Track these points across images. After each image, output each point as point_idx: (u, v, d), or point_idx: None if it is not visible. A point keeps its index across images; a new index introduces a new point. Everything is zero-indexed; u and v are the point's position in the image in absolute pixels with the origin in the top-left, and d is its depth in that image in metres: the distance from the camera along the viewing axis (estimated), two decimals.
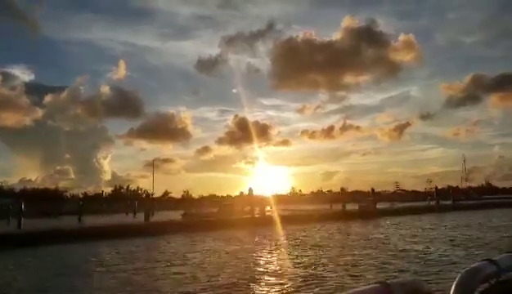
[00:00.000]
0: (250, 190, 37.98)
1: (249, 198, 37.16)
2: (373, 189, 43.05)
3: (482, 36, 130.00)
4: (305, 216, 33.72)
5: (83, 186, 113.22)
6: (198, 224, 28.29)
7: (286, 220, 30.73)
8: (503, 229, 23.01)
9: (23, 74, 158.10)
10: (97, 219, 35.93)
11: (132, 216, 41.29)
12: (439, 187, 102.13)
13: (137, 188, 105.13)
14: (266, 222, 29.90)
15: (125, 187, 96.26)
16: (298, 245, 18.31)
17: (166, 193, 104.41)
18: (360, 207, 38.26)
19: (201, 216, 34.71)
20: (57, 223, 30.86)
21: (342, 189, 77.77)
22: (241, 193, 48.72)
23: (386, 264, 12.57)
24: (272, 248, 17.53)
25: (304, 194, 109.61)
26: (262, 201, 35.52)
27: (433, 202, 47.49)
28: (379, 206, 42.30)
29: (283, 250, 16.92)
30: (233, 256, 15.28)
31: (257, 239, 21.27)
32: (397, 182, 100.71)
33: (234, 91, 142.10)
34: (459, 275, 1.39)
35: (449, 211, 41.16)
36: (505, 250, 1.72)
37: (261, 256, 15.13)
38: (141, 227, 26.67)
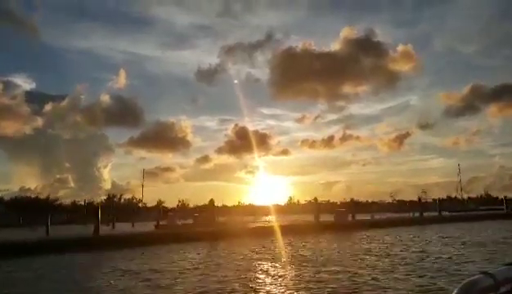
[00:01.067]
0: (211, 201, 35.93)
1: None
2: (352, 199, 40.26)
3: (481, 45, 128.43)
4: (276, 228, 31.26)
5: (81, 195, 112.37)
6: (162, 237, 25.81)
7: (255, 232, 28.54)
8: (488, 245, 19.37)
9: (24, 83, 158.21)
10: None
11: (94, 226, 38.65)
12: (439, 197, 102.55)
13: (132, 197, 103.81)
14: (234, 234, 27.62)
15: (118, 196, 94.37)
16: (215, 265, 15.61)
17: (160, 202, 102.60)
18: (335, 219, 35.46)
19: (173, 228, 32.59)
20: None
21: (315, 199, 73.86)
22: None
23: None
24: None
25: (301, 204, 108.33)
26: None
27: (416, 214, 44.05)
28: (360, 217, 39.83)
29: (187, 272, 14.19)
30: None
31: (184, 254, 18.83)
32: (391, 192, 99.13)
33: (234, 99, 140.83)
34: (456, 289, 1.43)
35: (433, 224, 38.30)
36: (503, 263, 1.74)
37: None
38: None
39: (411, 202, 71.86)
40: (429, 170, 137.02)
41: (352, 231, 31.23)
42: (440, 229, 32.62)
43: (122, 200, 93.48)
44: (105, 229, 29.97)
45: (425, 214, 43.08)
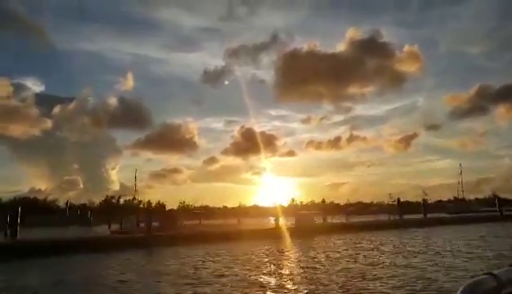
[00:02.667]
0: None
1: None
2: (323, 200, 37.31)
3: (487, 46, 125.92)
4: (241, 233, 28.83)
5: (89, 196, 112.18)
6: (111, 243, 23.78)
7: (212, 236, 26.42)
8: (471, 257, 15.32)
9: (34, 85, 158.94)
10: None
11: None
12: (445, 199, 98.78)
13: (133, 198, 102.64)
14: (186, 239, 25.23)
15: (116, 198, 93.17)
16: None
17: (159, 204, 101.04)
18: (296, 222, 32.53)
19: (130, 232, 30.58)
20: None
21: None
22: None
23: None
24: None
25: (303, 205, 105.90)
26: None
27: (396, 217, 40.31)
28: (334, 220, 37.18)
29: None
30: None
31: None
32: (391, 194, 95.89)
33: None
34: (459, 289, 1.38)
35: (415, 227, 35.16)
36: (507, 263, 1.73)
37: None
38: None
39: (390, 204, 69.02)
40: (436, 171, 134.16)
41: (315, 235, 28.57)
42: (424, 232, 29.74)
43: (120, 202, 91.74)
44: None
45: (408, 216, 39.95)
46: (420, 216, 42.99)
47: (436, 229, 33.70)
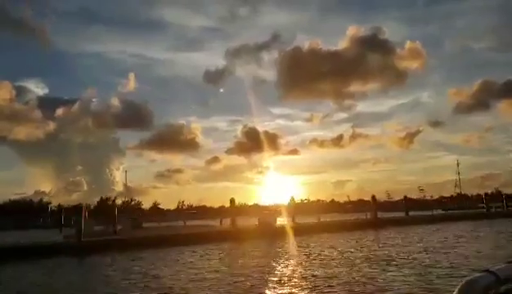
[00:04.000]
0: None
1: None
2: (293, 197, 35.02)
3: (492, 41, 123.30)
4: (193, 236, 26.89)
5: (93, 197, 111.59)
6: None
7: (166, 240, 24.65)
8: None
9: (37, 88, 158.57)
10: None
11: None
12: (449, 195, 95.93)
13: (131, 199, 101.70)
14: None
15: (112, 199, 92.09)
16: None
17: (155, 204, 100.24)
18: (260, 222, 30.36)
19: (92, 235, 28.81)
20: None
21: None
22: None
23: None
24: None
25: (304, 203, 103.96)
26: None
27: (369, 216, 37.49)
28: (304, 220, 35.02)
29: None
30: None
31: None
32: (387, 191, 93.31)
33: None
34: (458, 286, 1.38)
35: (391, 226, 32.81)
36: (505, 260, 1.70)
37: None
38: None
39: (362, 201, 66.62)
40: (442, 167, 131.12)
41: (276, 237, 26.57)
42: (399, 232, 27.52)
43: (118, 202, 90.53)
44: None
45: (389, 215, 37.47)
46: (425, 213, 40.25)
47: (410, 228, 31.34)
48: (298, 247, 21.22)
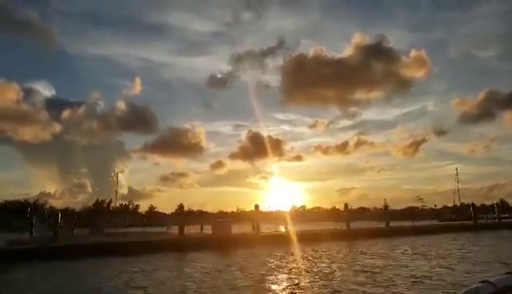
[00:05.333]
0: None
1: None
2: (257, 206, 32.63)
3: (497, 50, 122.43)
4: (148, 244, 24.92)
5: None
6: None
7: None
8: None
9: (44, 90, 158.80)
10: None
11: None
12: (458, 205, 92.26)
13: (129, 203, 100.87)
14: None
15: (107, 201, 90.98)
16: None
17: (151, 208, 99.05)
18: (213, 231, 28.04)
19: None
20: None
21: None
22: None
23: None
24: None
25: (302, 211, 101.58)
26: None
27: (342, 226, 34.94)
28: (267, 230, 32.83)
29: None
30: None
31: None
32: (385, 199, 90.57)
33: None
34: None
35: (361, 239, 30.35)
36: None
37: None
38: None
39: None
40: (447, 177, 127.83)
41: (231, 247, 24.54)
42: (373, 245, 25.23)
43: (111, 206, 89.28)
44: None
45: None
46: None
47: (380, 241, 28.91)
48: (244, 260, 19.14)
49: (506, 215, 51.09)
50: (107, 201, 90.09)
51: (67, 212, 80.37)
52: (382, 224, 37.89)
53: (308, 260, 18.39)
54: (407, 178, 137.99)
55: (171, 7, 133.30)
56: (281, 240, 28.07)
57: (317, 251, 22.40)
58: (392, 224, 38.65)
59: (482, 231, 36.70)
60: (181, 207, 66.59)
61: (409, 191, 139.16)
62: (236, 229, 31.05)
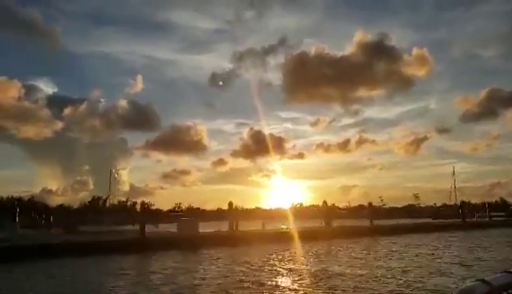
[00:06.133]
0: None
1: None
2: (231, 203, 31.13)
3: (500, 49, 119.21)
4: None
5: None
6: None
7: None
8: None
9: (47, 87, 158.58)
10: None
11: None
12: (457, 203, 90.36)
13: (126, 200, 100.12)
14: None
15: (103, 199, 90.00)
16: None
17: (148, 205, 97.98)
18: (178, 230, 26.63)
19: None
20: None
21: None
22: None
23: None
24: None
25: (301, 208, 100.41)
26: None
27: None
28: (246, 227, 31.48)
29: None
30: None
31: None
32: (381, 197, 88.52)
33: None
34: None
35: (341, 238, 28.93)
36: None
37: None
38: None
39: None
40: (448, 175, 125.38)
41: (196, 249, 23.29)
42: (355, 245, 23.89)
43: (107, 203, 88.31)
44: None
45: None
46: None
47: (359, 240, 27.57)
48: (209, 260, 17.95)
49: (502, 213, 49.35)
50: (104, 198, 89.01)
51: (63, 209, 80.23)
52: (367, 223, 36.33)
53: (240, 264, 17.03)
54: (409, 176, 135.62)
55: (173, 5, 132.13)
56: (256, 239, 26.83)
57: (274, 253, 21.16)
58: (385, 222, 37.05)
59: (470, 230, 35.13)
60: (142, 204, 63.85)
61: (410, 189, 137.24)
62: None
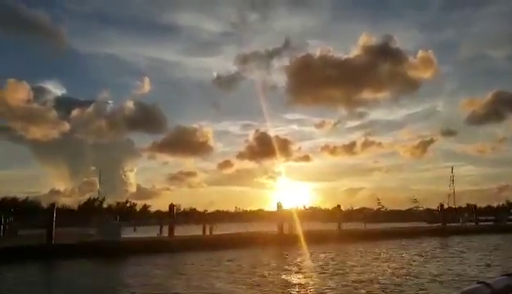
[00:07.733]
0: None
1: None
2: (172, 205, 28.27)
3: (507, 50, 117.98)
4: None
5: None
6: None
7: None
8: None
9: (55, 89, 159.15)
10: None
11: None
12: (462, 206, 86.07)
13: (126, 201, 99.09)
14: None
15: (99, 200, 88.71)
16: None
17: (145, 206, 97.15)
18: (99, 235, 24.34)
19: None
20: None
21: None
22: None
23: None
24: None
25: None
26: None
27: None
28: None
29: None
30: None
31: None
32: (378, 199, 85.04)
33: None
34: None
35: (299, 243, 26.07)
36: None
37: None
38: None
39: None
40: (456, 177, 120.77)
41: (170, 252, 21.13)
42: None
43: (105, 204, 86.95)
44: None
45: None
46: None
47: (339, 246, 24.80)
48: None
49: (493, 217, 45.50)
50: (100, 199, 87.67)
51: (58, 210, 78.65)
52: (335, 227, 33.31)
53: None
54: (415, 178, 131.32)
55: (178, 7, 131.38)
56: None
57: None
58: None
59: (447, 236, 31.82)
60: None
61: (416, 192, 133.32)
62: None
